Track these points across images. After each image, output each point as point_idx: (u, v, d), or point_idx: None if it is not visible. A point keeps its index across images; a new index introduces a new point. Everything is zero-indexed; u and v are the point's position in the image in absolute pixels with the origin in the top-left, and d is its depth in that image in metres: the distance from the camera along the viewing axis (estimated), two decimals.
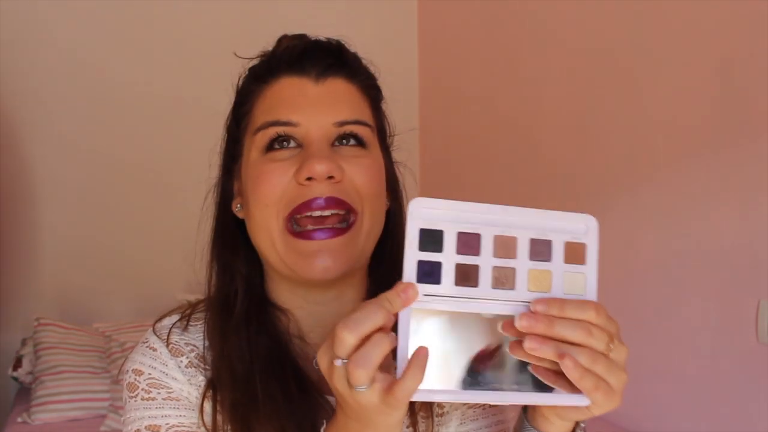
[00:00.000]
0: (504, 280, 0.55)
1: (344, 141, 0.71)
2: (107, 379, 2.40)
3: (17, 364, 2.57)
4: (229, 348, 0.72)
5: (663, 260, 2.01)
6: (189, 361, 0.74)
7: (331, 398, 0.73)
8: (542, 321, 0.54)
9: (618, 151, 2.15)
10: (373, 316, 0.52)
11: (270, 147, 0.71)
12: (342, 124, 0.71)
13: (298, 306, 0.76)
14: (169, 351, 0.74)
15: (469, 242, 0.54)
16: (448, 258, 0.54)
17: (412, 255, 0.54)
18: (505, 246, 0.55)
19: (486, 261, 0.55)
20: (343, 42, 0.76)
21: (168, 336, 0.75)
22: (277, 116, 0.70)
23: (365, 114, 0.74)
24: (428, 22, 3.20)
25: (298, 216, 0.69)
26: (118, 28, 2.81)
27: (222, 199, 0.78)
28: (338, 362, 0.53)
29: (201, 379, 0.73)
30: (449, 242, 0.54)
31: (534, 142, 2.53)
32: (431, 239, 0.54)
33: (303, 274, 0.70)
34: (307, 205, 0.69)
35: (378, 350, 0.52)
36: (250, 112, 0.74)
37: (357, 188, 0.70)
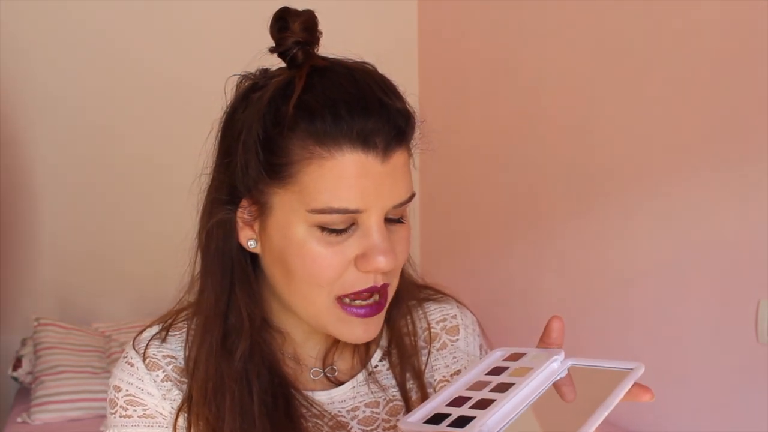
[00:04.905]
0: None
1: (394, 220, 0.70)
2: (107, 379, 2.39)
3: (17, 364, 2.57)
4: (224, 387, 0.72)
5: (663, 260, 2.01)
6: (165, 375, 0.75)
7: (311, 393, 0.76)
8: None
9: (618, 151, 2.15)
10: None
11: (326, 227, 0.67)
12: (400, 205, 0.68)
13: (294, 326, 0.77)
14: (146, 365, 0.75)
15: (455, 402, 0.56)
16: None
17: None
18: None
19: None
20: (411, 109, 0.70)
21: (145, 350, 0.77)
22: (344, 204, 0.65)
23: (411, 178, 0.72)
24: (428, 22, 3.20)
25: (350, 295, 0.70)
26: (119, 29, 2.81)
27: (223, 232, 0.73)
28: None
29: (176, 393, 0.74)
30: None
31: (534, 142, 2.53)
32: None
33: (339, 337, 0.72)
34: (365, 290, 0.69)
35: None
36: (296, 175, 0.66)
37: (397, 263, 0.71)
